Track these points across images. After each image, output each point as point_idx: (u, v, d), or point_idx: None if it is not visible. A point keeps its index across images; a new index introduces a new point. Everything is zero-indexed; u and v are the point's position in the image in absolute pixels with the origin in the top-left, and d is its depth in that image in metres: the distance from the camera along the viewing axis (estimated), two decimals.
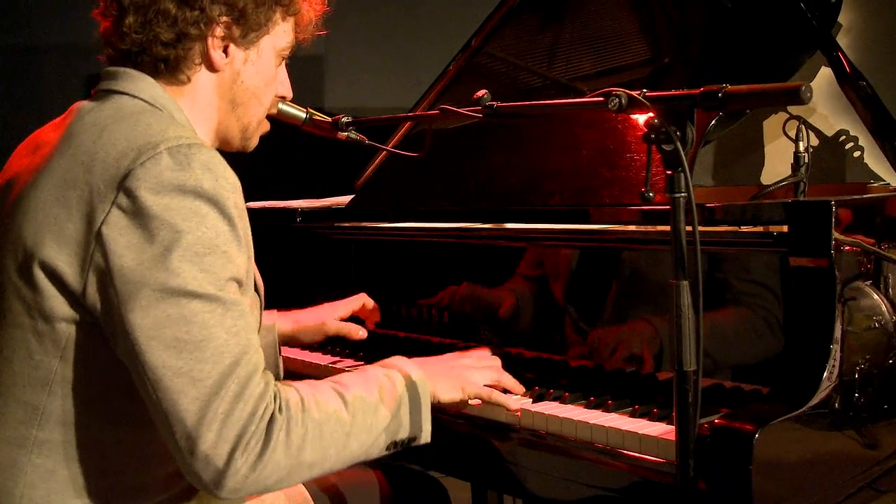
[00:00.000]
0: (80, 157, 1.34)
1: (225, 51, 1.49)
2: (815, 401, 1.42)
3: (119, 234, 1.27)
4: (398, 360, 1.57)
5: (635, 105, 1.31)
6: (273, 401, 1.32)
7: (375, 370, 1.52)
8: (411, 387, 1.50)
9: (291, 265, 2.40)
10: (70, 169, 1.34)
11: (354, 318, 2.07)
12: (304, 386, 1.41)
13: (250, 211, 2.56)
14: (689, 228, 1.26)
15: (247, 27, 1.48)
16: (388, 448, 1.46)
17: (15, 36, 2.95)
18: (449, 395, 1.61)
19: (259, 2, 1.48)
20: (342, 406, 1.40)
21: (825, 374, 1.42)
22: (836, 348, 1.45)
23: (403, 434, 1.48)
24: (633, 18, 2.42)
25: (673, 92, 1.29)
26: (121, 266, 1.27)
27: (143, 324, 1.26)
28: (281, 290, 2.32)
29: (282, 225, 2.40)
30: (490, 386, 1.67)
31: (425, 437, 1.51)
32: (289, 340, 2.02)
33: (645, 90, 1.31)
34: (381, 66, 3.48)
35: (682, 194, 1.27)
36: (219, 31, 1.46)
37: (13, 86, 2.95)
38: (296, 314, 1.98)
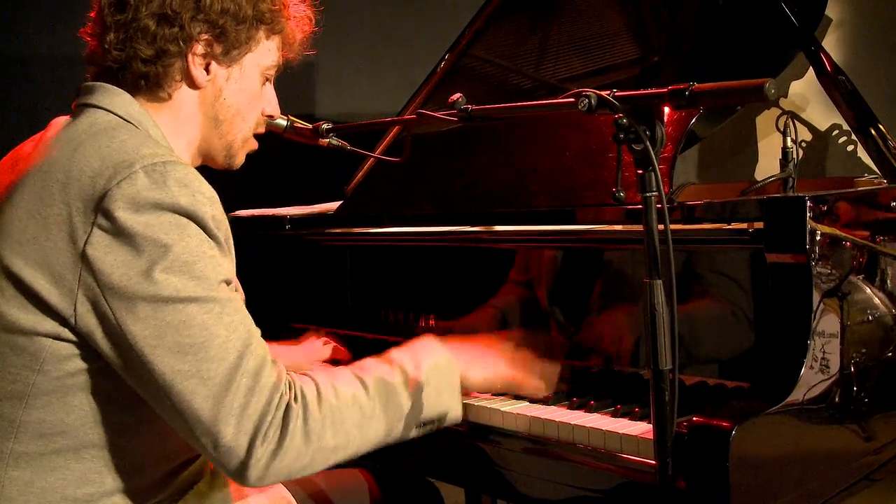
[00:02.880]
0: (55, 173, 1.35)
1: (207, 68, 1.50)
2: (798, 396, 1.41)
3: (104, 253, 1.29)
4: (426, 342, 1.58)
5: (605, 105, 1.31)
6: (288, 390, 1.35)
7: (400, 352, 1.54)
8: (438, 365, 1.52)
9: (281, 272, 2.41)
10: (45, 186, 1.35)
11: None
12: (321, 374, 1.44)
13: (239, 219, 2.59)
14: (661, 227, 1.27)
15: (228, 45, 1.50)
16: (417, 427, 1.48)
17: (6, 47, 2.98)
18: (479, 375, 1.61)
19: (240, 20, 1.49)
20: (361, 390, 1.43)
21: (804, 369, 1.41)
22: (824, 342, 1.45)
23: (432, 412, 1.49)
24: (623, 18, 2.42)
25: (641, 91, 1.29)
26: (111, 284, 1.29)
27: (145, 334, 1.29)
28: (269, 297, 2.34)
29: (271, 232, 2.41)
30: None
31: (454, 415, 1.52)
32: None
33: (615, 90, 1.31)
34: (374, 71, 3.48)
35: (654, 193, 1.28)
36: (199, 48, 1.48)
37: (5, 97, 2.98)
38: (275, 349, 1.96)
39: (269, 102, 1.63)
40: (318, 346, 2.08)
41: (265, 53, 1.56)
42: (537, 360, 1.71)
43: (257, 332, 1.37)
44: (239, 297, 1.38)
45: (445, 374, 1.52)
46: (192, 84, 1.50)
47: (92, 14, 1.52)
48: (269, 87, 1.62)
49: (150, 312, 1.28)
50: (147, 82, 1.47)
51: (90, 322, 1.31)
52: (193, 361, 1.29)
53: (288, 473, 1.35)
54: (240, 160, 1.62)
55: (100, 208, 1.29)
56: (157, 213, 1.29)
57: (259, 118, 1.61)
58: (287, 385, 1.35)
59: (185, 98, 1.51)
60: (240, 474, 1.32)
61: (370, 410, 1.42)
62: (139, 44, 1.45)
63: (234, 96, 1.54)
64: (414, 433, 1.48)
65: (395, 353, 1.53)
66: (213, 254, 1.33)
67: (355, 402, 1.41)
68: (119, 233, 1.29)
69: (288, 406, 1.33)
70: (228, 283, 1.37)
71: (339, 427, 1.38)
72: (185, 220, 1.31)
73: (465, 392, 1.59)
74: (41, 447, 1.37)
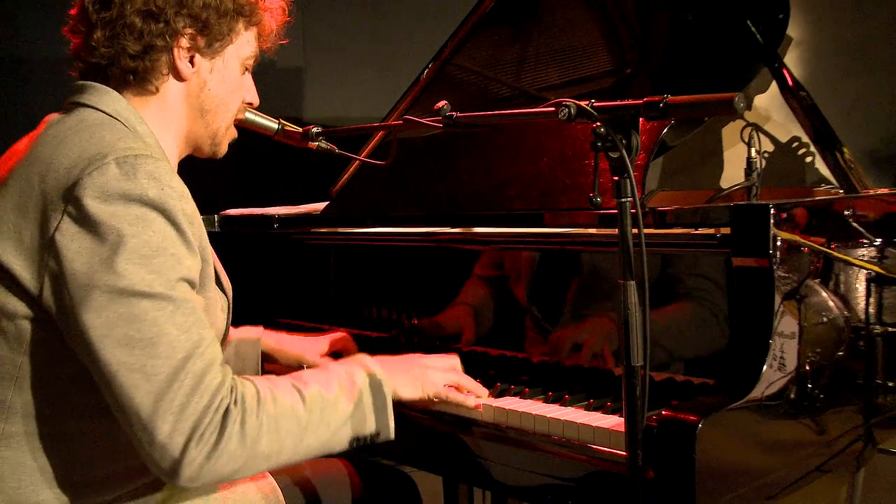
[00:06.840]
0: (38, 167, 1.41)
1: (191, 61, 1.56)
2: (759, 392, 1.49)
3: (70, 240, 1.34)
4: (360, 358, 1.61)
5: (584, 115, 1.38)
6: (229, 393, 1.37)
7: (336, 367, 1.57)
8: (372, 384, 1.54)
9: (268, 269, 2.46)
10: (28, 178, 1.41)
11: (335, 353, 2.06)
12: (262, 381, 1.45)
13: (229, 218, 2.63)
14: (635, 231, 1.34)
15: (211, 37, 1.56)
16: (351, 443, 1.51)
17: (4, 47, 2.99)
18: (409, 392, 1.64)
19: (222, 13, 1.55)
20: (299, 401, 1.45)
21: (765, 367, 1.49)
22: (783, 342, 1.53)
23: (366, 430, 1.52)
24: (598, 31, 2.50)
25: (618, 102, 1.37)
26: (72, 270, 1.33)
27: (96, 323, 1.32)
28: (256, 293, 2.39)
29: (259, 231, 2.46)
30: (451, 387, 1.71)
31: (388, 432, 1.55)
32: (266, 357, 2.03)
33: (593, 101, 1.39)
34: (362, 76, 3.52)
35: (629, 199, 1.35)
36: (184, 42, 1.54)
37: (4, 98, 2.98)
38: (281, 337, 2.00)
39: (249, 91, 1.69)
40: (321, 340, 2.06)
41: (244, 44, 1.62)
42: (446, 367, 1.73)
43: (211, 334, 1.39)
44: (198, 299, 1.41)
45: (378, 393, 1.54)
46: (178, 77, 1.56)
47: (73, 11, 1.56)
48: (248, 77, 1.68)
49: (104, 302, 1.31)
50: (135, 77, 1.53)
51: (51, 305, 1.36)
52: (140, 356, 1.31)
53: (221, 476, 1.36)
54: (223, 149, 1.67)
55: (70, 197, 1.34)
56: (124, 203, 1.33)
57: (241, 106, 1.68)
58: (229, 388, 1.37)
59: (171, 91, 1.56)
60: (172, 473, 1.33)
61: (305, 422, 1.44)
62: (126, 40, 1.50)
63: (218, 87, 1.60)
64: (349, 448, 1.51)
65: (333, 369, 1.55)
66: (174, 251, 1.36)
67: (293, 413, 1.43)
68: (85, 221, 1.33)
69: (227, 409, 1.35)
70: (191, 282, 1.39)
71: (274, 435, 1.39)
72: (152, 213, 1.35)
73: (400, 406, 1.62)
74: (31, 428, 1.41)
